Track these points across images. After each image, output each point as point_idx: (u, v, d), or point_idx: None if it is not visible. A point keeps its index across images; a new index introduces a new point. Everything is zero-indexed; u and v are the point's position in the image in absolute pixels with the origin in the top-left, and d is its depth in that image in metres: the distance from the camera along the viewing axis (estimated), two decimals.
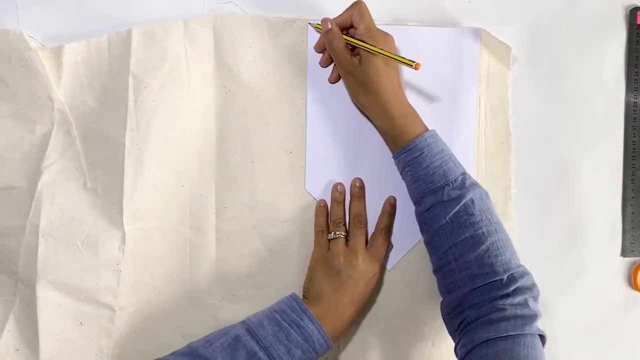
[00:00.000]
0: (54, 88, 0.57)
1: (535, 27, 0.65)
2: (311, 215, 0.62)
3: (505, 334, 0.49)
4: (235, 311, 0.61)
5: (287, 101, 0.61)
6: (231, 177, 0.61)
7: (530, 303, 0.51)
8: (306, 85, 0.61)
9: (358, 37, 0.56)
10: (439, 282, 0.57)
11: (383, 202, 0.62)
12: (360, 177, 0.62)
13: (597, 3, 0.65)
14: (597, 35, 0.66)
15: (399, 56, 0.54)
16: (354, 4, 0.57)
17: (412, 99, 0.62)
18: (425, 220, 0.56)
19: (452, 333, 0.55)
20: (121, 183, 0.57)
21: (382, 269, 0.62)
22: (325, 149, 0.62)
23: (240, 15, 0.60)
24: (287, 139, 0.61)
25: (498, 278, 0.52)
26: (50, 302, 0.57)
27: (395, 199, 0.62)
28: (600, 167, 0.67)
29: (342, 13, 0.58)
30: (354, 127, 0.62)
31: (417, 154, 0.55)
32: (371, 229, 0.62)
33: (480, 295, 0.52)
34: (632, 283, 0.67)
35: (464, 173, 0.55)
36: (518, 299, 0.51)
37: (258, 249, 0.61)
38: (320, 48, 0.61)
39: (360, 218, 0.60)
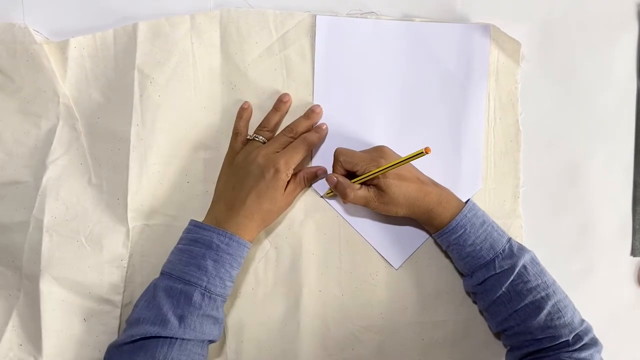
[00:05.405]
0: (60, 82, 0.57)
1: (545, 23, 0.64)
2: (318, 213, 0.61)
3: None
4: (237, 307, 0.60)
5: (294, 97, 0.61)
6: None
7: (596, 357, 0.52)
8: (313, 81, 0.61)
9: (362, 173, 0.56)
10: (503, 339, 0.59)
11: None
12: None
13: None
14: (608, 32, 0.65)
15: (407, 156, 0.53)
16: (336, 155, 0.57)
17: (421, 96, 0.61)
18: (479, 291, 0.57)
19: None
20: (126, 179, 0.57)
21: (289, 171, 0.56)
22: (330, 146, 0.61)
23: (247, 10, 0.60)
24: None
25: (564, 339, 0.53)
26: (54, 298, 0.56)
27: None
28: (610, 165, 0.66)
29: (333, 166, 0.58)
30: (359, 124, 0.61)
31: (460, 232, 0.55)
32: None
33: (546, 352, 0.53)
34: None
35: (509, 239, 0.56)
36: (584, 354, 0.52)
37: (262, 245, 0.61)
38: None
39: (291, 128, 0.58)
